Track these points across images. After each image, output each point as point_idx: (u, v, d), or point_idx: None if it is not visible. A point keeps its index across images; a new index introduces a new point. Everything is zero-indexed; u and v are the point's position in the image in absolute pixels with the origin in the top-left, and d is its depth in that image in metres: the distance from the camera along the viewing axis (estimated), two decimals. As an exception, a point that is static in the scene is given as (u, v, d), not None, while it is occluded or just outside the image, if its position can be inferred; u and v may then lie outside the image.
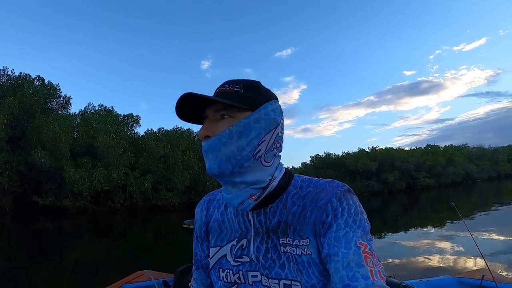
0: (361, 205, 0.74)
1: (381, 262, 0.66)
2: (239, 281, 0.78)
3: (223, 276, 0.81)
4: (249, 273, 0.77)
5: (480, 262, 5.64)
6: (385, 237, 10.74)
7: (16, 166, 26.40)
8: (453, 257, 7.45)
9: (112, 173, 28.22)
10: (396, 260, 7.24)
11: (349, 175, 49.79)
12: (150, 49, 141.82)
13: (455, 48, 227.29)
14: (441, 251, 7.99)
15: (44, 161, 25.16)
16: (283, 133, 0.79)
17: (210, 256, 0.85)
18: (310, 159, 58.26)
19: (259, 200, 0.74)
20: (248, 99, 0.72)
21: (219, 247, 0.83)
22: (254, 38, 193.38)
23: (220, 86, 0.76)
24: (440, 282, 2.20)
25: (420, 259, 7.33)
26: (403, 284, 1.17)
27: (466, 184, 54.95)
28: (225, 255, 0.82)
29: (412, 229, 12.14)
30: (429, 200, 29.14)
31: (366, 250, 0.64)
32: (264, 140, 0.73)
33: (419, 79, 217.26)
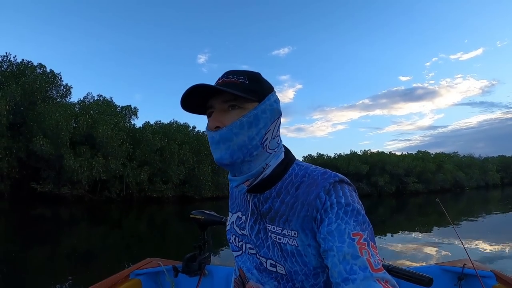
0: (353, 195, 0.74)
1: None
2: (242, 249, 0.86)
3: (233, 240, 0.89)
4: (247, 244, 0.84)
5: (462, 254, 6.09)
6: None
7: (15, 152, 26.52)
8: (437, 250, 8.01)
9: (110, 163, 28.54)
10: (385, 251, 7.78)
11: (341, 176, 50.59)
12: (146, 41, 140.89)
13: (452, 56, 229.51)
14: (427, 249, 8.49)
15: (45, 148, 25.40)
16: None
17: (228, 220, 0.94)
18: (302, 159, 58.61)
19: (250, 186, 0.78)
20: (254, 90, 0.75)
21: (231, 214, 0.92)
22: (252, 35, 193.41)
23: (223, 76, 0.77)
24: (425, 269, 2.26)
25: (407, 252, 7.84)
26: (391, 266, 1.13)
27: (454, 191, 55.43)
28: (233, 222, 0.90)
29: (400, 230, 12.52)
30: (417, 204, 29.62)
31: (361, 241, 0.63)
32: (270, 130, 0.77)
33: (414, 85, 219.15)
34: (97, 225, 15.91)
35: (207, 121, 0.78)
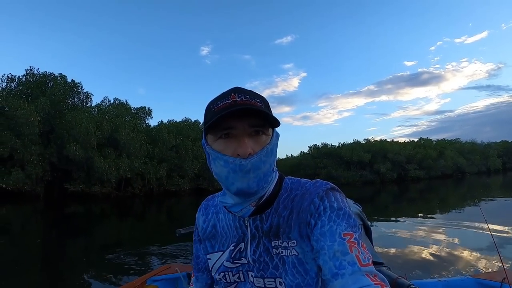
0: (345, 201, 0.75)
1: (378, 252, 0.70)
2: (238, 280, 0.82)
3: (223, 277, 0.84)
4: (249, 272, 0.80)
5: (497, 262, 5.22)
6: (376, 224, 10.12)
7: (48, 157, 29.47)
8: (469, 254, 6.39)
9: (134, 162, 31.68)
10: (405, 257, 6.28)
11: (344, 165, 52.57)
12: (148, 34, 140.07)
13: (457, 40, 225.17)
14: (451, 246, 7.06)
15: (78, 153, 28.47)
16: None
17: (214, 261, 0.86)
18: (308, 148, 60.46)
19: (257, 205, 0.77)
20: (271, 116, 0.72)
21: (221, 252, 0.85)
22: (254, 24, 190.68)
23: (237, 94, 0.70)
24: (459, 282, 2.16)
25: (427, 253, 6.47)
26: (412, 286, 1.08)
27: (455, 177, 56.11)
28: (226, 259, 0.84)
29: (403, 217, 11.70)
30: (418, 190, 30.27)
31: (351, 240, 0.65)
32: (276, 154, 0.76)
33: (419, 70, 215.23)
34: (124, 218, 17.34)
35: (219, 143, 0.71)
